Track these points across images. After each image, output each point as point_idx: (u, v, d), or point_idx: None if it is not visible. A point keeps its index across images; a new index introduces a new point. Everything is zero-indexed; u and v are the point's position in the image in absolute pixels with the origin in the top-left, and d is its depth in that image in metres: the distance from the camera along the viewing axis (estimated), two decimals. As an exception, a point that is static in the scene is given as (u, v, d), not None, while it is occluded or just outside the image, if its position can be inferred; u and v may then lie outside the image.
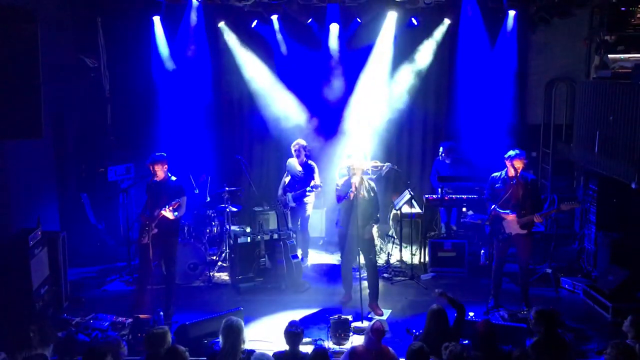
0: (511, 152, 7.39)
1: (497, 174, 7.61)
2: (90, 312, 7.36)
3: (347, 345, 6.40)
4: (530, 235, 7.64)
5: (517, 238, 7.50)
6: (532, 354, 5.31)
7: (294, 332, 5.45)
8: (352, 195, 7.28)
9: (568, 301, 8.06)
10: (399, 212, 9.33)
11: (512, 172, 7.37)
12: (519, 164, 7.31)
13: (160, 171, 7.30)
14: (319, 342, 6.60)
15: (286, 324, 5.56)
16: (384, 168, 9.37)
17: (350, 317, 6.79)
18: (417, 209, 9.37)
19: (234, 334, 5.20)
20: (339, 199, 7.54)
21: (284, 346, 5.51)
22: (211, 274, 8.76)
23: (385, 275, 8.84)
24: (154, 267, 7.63)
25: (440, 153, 9.76)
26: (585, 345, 6.67)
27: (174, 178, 7.45)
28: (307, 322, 7.20)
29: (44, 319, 6.45)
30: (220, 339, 5.28)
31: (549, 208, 8.30)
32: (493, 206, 7.44)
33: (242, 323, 5.34)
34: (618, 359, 4.86)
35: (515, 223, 7.41)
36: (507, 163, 7.40)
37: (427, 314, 5.75)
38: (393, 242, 9.85)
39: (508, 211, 7.40)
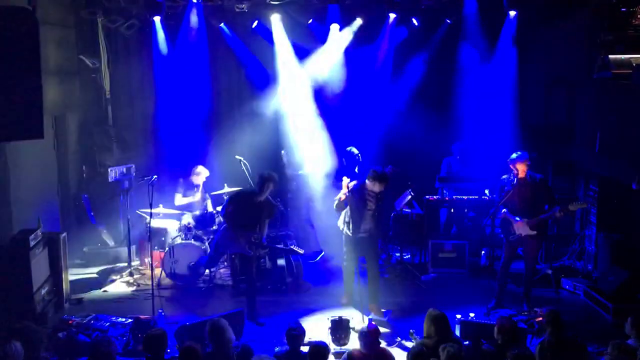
0: (513, 155, 7.39)
1: (506, 176, 7.58)
2: (91, 312, 7.35)
3: (348, 346, 6.40)
4: (540, 236, 7.57)
5: (526, 239, 7.48)
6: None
7: (295, 334, 5.47)
8: (343, 197, 7.28)
9: (568, 302, 8.04)
10: (400, 212, 9.33)
11: (519, 174, 7.38)
12: (521, 166, 7.31)
13: None
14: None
15: (287, 324, 5.58)
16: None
17: (350, 318, 6.78)
18: (417, 210, 9.37)
19: (216, 334, 5.23)
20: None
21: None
22: (212, 274, 8.76)
23: (386, 276, 8.83)
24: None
25: (454, 155, 9.87)
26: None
27: None
28: (307, 322, 7.17)
29: None
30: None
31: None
32: (503, 210, 7.45)
33: (224, 322, 5.34)
34: (619, 358, 4.86)
35: (525, 225, 7.40)
36: (511, 166, 7.39)
37: (425, 318, 5.60)
38: (394, 243, 9.84)
39: (518, 218, 7.39)
